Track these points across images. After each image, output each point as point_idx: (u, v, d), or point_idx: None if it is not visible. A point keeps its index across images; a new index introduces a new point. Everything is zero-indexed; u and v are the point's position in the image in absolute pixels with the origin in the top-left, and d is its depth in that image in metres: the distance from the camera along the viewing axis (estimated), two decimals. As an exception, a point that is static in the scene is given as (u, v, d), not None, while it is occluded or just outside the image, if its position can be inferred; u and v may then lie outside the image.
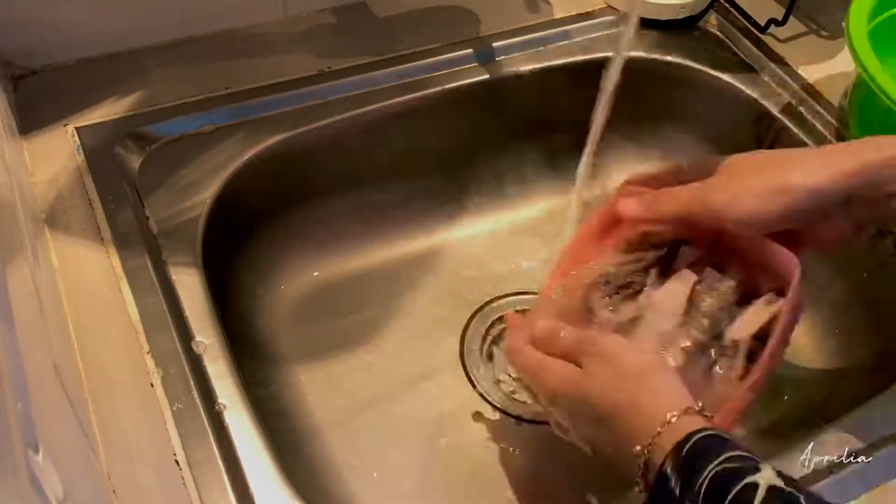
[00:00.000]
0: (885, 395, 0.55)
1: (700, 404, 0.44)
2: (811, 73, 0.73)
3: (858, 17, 0.64)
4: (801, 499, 0.38)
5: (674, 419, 0.43)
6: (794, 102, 0.72)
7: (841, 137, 0.69)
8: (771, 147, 0.73)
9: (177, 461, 0.47)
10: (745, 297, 0.53)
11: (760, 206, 0.48)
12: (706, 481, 0.39)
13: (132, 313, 0.53)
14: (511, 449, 0.65)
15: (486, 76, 0.71)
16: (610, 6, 0.77)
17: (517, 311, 0.70)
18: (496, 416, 0.66)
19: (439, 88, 0.70)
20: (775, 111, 0.71)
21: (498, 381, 0.68)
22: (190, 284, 0.55)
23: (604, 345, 0.48)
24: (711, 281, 0.54)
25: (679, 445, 0.42)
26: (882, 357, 0.65)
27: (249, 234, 0.69)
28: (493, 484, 0.63)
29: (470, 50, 0.72)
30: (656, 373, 0.47)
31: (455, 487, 0.63)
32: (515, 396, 0.67)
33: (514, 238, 0.78)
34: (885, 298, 0.67)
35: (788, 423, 0.64)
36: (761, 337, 0.51)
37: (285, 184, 0.69)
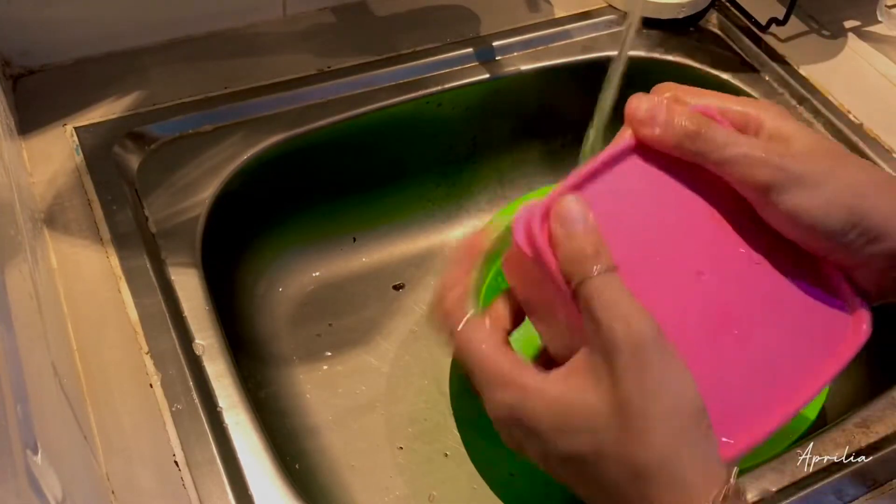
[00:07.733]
0: (886, 395, 0.55)
1: None
2: (812, 72, 0.73)
3: None
4: None
5: None
6: (794, 102, 0.72)
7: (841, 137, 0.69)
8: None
9: (176, 462, 0.47)
10: None
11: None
12: None
13: (131, 314, 0.53)
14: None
15: (486, 76, 0.71)
16: (610, 5, 0.77)
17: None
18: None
19: (439, 88, 0.70)
20: (776, 111, 0.71)
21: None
22: (189, 285, 0.55)
23: None
24: None
25: None
26: (882, 357, 0.65)
27: (249, 234, 0.69)
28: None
29: (470, 50, 0.72)
30: None
31: (456, 488, 0.63)
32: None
33: (514, 238, 0.78)
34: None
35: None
36: None
37: (285, 183, 0.68)
